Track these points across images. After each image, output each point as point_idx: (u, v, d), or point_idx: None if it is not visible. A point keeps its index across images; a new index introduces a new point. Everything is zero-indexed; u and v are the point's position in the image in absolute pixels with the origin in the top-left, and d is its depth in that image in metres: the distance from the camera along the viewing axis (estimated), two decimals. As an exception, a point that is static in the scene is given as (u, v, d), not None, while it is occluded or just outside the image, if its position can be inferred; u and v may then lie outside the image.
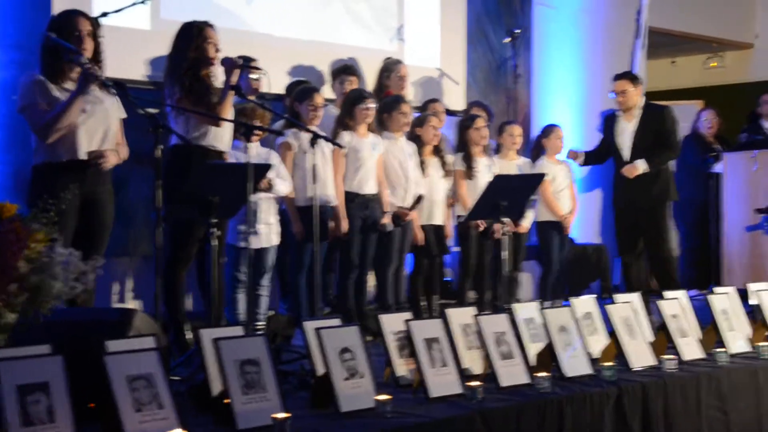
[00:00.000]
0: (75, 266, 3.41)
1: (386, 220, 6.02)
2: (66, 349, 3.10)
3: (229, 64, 4.86)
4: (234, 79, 4.83)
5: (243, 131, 4.52)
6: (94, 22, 4.61)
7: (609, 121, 7.31)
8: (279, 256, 5.74)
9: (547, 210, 6.97)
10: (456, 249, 6.77)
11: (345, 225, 5.80)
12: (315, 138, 4.81)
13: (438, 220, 6.41)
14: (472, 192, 6.47)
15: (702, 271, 8.49)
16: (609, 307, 4.41)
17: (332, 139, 5.42)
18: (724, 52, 10.87)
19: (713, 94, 10.37)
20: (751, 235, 7.76)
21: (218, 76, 5.20)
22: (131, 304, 6.04)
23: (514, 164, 6.88)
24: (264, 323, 5.57)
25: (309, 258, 5.66)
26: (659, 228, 7.00)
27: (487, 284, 6.65)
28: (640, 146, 7.00)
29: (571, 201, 7.07)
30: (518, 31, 7.91)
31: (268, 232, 5.53)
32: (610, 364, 4.08)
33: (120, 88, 4.39)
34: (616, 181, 7.19)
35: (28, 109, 4.41)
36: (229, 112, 4.88)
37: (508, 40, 7.90)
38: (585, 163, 7.53)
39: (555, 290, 6.98)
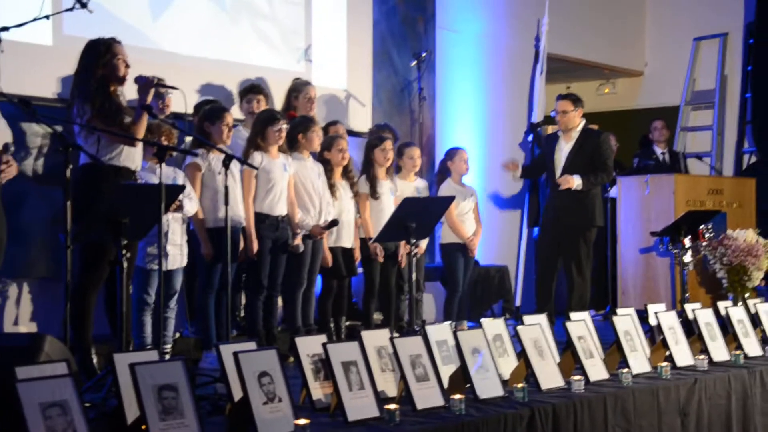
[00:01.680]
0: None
1: (297, 241, 6.01)
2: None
3: (143, 82, 4.78)
4: (149, 98, 4.76)
5: (155, 151, 4.44)
6: (-3, 37, 4.48)
7: (549, 140, 7.48)
8: (186, 277, 5.65)
9: (452, 232, 7.06)
10: (360, 270, 6.80)
11: (255, 246, 5.76)
12: (228, 159, 4.76)
13: (346, 242, 6.43)
14: (376, 213, 6.52)
15: (599, 293, 8.75)
16: (519, 329, 4.49)
17: (245, 160, 5.38)
18: (616, 79, 11.27)
19: (606, 118, 10.70)
20: (645, 257, 8.04)
21: (125, 93, 5.12)
22: (27, 328, 5.85)
23: (413, 186, 6.96)
24: (170, 346, 5.47)
25: (218, 279, 5.60)
26: (581, 251, 7.17)
27: (392, 305, 6.69)
28: (572, 167, 7.18)
29: (475, 224, 7.18)
30: (425, 54, 8.02)
31: (176, 254, 5.45)
32: (521, 385, 4.15)
33: (26, 105, 4.26)
34: (547, 201, 7.34)
35: None
36: (142, 132, 4.80)
37: (414, 63, 8.01)
38: (521, 177, 7.67)
39: (460, 312, 7.07)
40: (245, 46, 6.97)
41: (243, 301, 6.29)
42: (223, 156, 5.50)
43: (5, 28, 4.91)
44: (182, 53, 6.58)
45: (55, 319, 5.75)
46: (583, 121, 7.34)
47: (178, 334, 5.86)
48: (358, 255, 6.53)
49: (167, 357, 5.25)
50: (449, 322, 6.87)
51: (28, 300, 5.93)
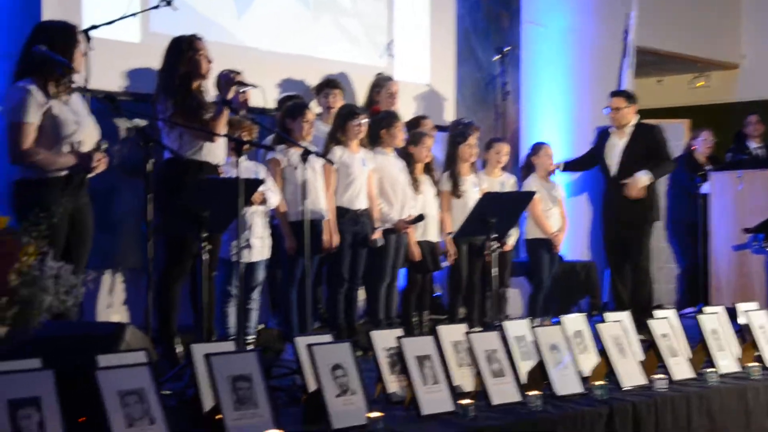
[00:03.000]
0: (66, 280, 3.38)
1: (377, 235, 6.02)
2: (57, 364, 3.08)
3: (225, 79, 4.86)
4: (230, 95, 4.83)
5: (233, 146, 4.51)
6: (85, 37, 4.60)
7: (602, 137, 7.34)
8: (269, 270, 5.72)
9: (537, 227, 6.97)
10: (446, 264, 6.77)
11: (336, 240, 5.80)
12: (306, 154, 4.80)
13: (432, 236, 6.42)
14: (460, 210, 6.48)
15: (692, 291, 8.53)
16: (599, 326, 4.41)
17: (323, 155, 5.41)
18: (710, 72, 10.94)
19: (699, 113, 10.44)
20: (739, 255, 7.80)
21: (209, 89, 5.21)
22: (118, 316, 6.00)
23: (498, 181, 6.90)
24: (254, 337, 5.55)
25: (300, 272, 5.65)
26: (639, 247, 7.01)
27: (476, 301, 6.64)
28: (628, 163, 7.02)
29: (560, 219, 7.08)
30: (508, 48, 7.94)
31: (260, 246, 5.52)
32: (601, 382, 4.07)
33: (111, 101, 4.37)
34: (605, 198, 7.21)
35: (15, 128, 4.36)
36: (223, 127, 4.87)
37: (497, 57, 7.93)
38: (565, 170, 7.54)
39: (545, 308, 6.98)
40: (327, 41, 7.00)
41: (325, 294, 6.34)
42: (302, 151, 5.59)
43: (94, 27, 5.03)
44: (265, 49, 6.65)
45: (144, 308, 5.90)
46: (637, 117, 7.17)
47: (262, 326, 5.94)
48: (445, 249, 6.51)
49: (250, 348, 5.33)
50: (528, 317, 6.79)
51: (120, 289, 6.08)
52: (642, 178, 6.93)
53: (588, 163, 7.41)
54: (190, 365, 3.49)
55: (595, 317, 7.85)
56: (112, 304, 6.00)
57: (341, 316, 5.93)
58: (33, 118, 4.35)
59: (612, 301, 7.85)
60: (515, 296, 7.80)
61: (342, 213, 5.90)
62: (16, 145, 4.39)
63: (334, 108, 6.36)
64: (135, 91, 5.89)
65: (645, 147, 7.00)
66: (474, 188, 6.58)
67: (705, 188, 8.24)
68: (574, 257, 8.03)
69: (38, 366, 3.08)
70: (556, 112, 8.65)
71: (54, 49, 4.37)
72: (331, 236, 5.78)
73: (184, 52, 5.01)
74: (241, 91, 5.51)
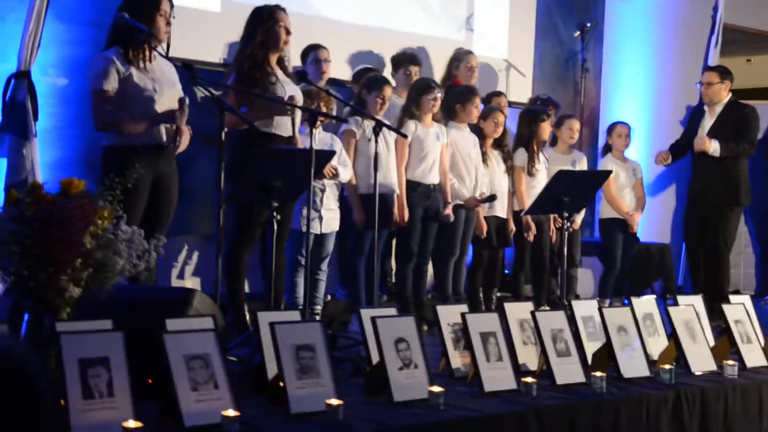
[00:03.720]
0: (138, 244, 3.45)
1: (448, 210, 6.00)
2: (127, 326, 3.16)
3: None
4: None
5: (307, 116, 4.52)
6: (169, 3, 4.65)
7: (695, 115, 7.16)
8: (339, 241, 5.76)
9: (611, 207, 6.85)
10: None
11: (406, 214, 5.80)
12: (379, 126, 4.79)
13: (500, 212, 6.38)
14: (532, 188, 6.42)
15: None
16: (671, 309, 4.34)
17: (397, 129, 5.38)
18: (802, 52, 10.58)
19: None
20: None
21: (291, 59, 5.22)
22: (191, 282, 6.12)
23: (569, 158, 6.80)
24: (321, 308, 5.60)
25: (368, 245, 5.68)
26: (719, 229, 6.80)
27: (545, 279, 6.58)
28: (714, 137, 6.83)
29: (637, 199, 6.93)
30: (589, 24, 7.78)
31: (329, 218, 5.55)
32: (669, 366, 4.01)
33: (188, 69, 4.42)
34: (692, 177, 7.02)
35: (96, 95, 4.47)
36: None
37: (578, 33, 7.79)
38: (673, 160, 7.35)
39: (616, 289, 6.88)
40: (406, 14, 6.96)
41: (393, 267, 6.35)
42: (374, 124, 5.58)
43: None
44: (343, 21, 6.65)
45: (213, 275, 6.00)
46: (729, 96, 6.94)
47: (329, 297, 5.99)
48: (512, 226, 6.46)
49: (317, 318, 5.38)
50: (597, 298, 6.71)
51: (195, 255, 6.20)
52: (713, 145, 6.72)
53: (686, 146, 7.19)
54: (256, 333, 3.55)
55: (668, 301, 7.76)
56: (186, 270, 6.12)
57: (409, 290, 5.94)
58: (111, 86, 4.45)
59: (687, 285, 7.72)
60: (587, 276, 7.71)
61: (414, 187, 5.89)
62: (96, 112, 4.50)
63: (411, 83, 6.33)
64: (212, 60, 5.96)
65: (732, 126, 6.78)
66: (544, 167, 6.51)
67: None
68: (651, 239, 7.87)
69: (109, 327, 3.18)
70: (637, 90, 8.47)
71: (136, 17, 4.44)
72: (402, 211, 5.78)
73: (264, 22, 5.02)
74: (324, 60, 5.53)
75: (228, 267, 4.86)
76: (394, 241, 6.22)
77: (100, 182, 3.99)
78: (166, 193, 4.65)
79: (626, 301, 7.12)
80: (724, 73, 6.93)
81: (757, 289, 8.53)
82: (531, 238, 6.45)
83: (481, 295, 6.41)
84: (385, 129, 5.16)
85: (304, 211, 5.39)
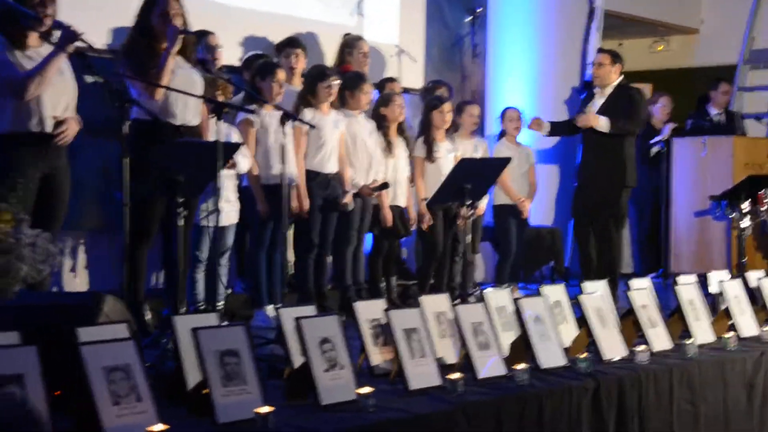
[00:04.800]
0: (43, 248, 3.23)
1: (348, 199, 5.91)
2: (33, 336, 2.95)
3: (172, 31, 4.62)
4: (175, 47, 4.59)
5: (213, 108, 4.33)
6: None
7: (586, 98, 7.27)
8: (238, 234, 5.58)
9: (504, 193, 6.90)
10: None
11: (306, 204, 5.67)
12: (286, 117, 4.64)
13: (401, 201, 6.33)
14: (434, 176, 6.40)
15: (650, 257, 8.58)
16: (582, 297, 4.37)
17: (306, 121, 5.21)
18: (670, 37, 10.95)
19: (659, 77, 10.44)
20: (700, 221, 7.84)
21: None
22: (80, 279, 5.82)
23: (471, 144, 6.81)
24: (222, 303, 5.42)
25: (269, 237, 5.53)
26: (611, 212, 6.95)
27: (445, 267, 6.58)
28: None
29: (529, 186, 7.01)
30: (480, 9, 7.80)
31: (228, 210, 5.37)
32: (585, 355, 4.04)
33: (81, 57, 4.18)
34: (581, 159, 7.11)
35: None
36: (165, 78, 4.61)
37: (469, 19, 7.80)
38: (551, 134, 7.43)
39: (511, 274, 6.95)
40: (296, -2, 6.81)
41: (291, 258, 6.21)
42: (275, 112, 5.42)
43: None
44: (231, 5, 6.44)
45: (106, 271, 5.73)
46: (620, 79, 7.09)
47: (229, 291, 5.81)
48: (412, 215, 6.41)
49: (220, 314, 5.19)
50: (508, 287, 6.76)
51: (81, 251, 5.90)
52: (600, 121, 6.82)
53: (571, 126, 7.28)
54: (172, 338, 3.37)
55: (556, 282, 7.91)
56: (75, 267, 5.81)
57: (311, 281, 5.82)
58: (9, 58, 4.12)
59: (576, 267, 7.87)
60: (478, 261, 7.76)
61: (312, 176, 5.76)
62: (8, 83, 4.15)
63: (296, 68, 6.19)
64: (97, 47, 5.63)
65: (620, 107, 6.91)
66: (449, 154, 6.48)
67: (656, 147, 8.21)
68: (539, 222, 8.00)
69: (16, 339, 2.95)
70: (521, 74, 8.56)
71: (20, 1, 4.14)
72: (301, 201, 5.65)
73: (152, 6, 4.79)
74: (216, 47, 5.32)
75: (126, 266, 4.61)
76: (291, 232, 6.08)
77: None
78: (57, 191, 4.37)
79: (522, 285, 7.28)
80: (615, 56, 7.05)
81: (637, 268, 8.80)
82: (425, 226, 6.42)
83: (381, 284, 6.35)
84: (278, 117, 5.01)
85: (203, 205, 5.21)
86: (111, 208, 5.51)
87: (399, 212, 6.31)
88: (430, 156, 6.42)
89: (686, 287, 4.84)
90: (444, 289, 6.54)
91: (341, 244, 5.99)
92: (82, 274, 5.88)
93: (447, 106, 6.51)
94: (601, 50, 7.20)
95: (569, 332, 4.41)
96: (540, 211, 8.09)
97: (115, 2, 5.62)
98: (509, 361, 3.94)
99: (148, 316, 4.78)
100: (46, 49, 4.28)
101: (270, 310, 5.53)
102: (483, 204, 6.86)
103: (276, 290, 5.63)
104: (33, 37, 4.25)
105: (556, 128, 7.33)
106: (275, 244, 5.61)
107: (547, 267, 7.98)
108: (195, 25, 5.72)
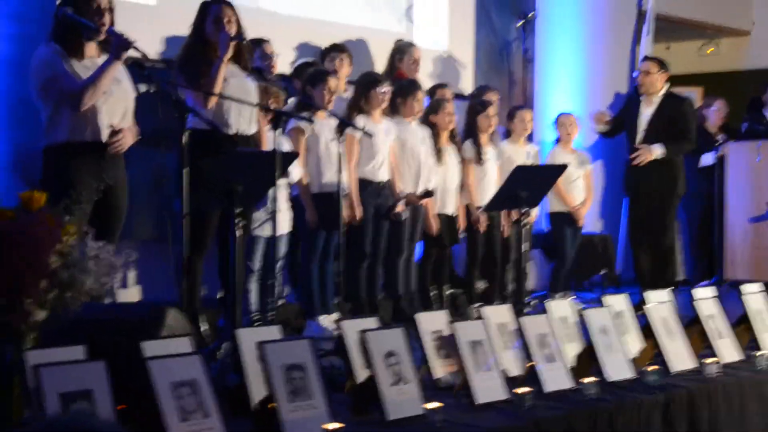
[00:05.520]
0: (107, 261, 3.18)
1: (400, 208, 5.83)
2: (97, 350, 2.91)
3: (224, 37, 4.58)
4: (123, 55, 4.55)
5: (272, 117, 4.28)
6: (109, -5, 4.33)
7: (630, 102, 7.16)
8: (290, 244, 5.53)
9: (559, 201, 6.77)
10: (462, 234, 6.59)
11: (359, 212, 5.60)
12: (343, 125, 4.58)
13: (450, 209, 6.24)
14: (479, 180, 6.32)
15: (702, 264, 8.41)
16: (647, 307, 4.26)
17: (357, 126, 5.13)
18: (720, 39, 10.76)
19: (708, 80, 10.27)
20: (755, 227, 7.67)
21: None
22: (135, 291, 5.81)
23: (524, 151, 6.71)
24: (274, 314, 5.36)
25: (322, 246, 5.48)
26: (663, 222, 6.84)
27: (497, 274, 6.48)
28: (653, 132, 6.86)
29: (585, 191, 6.88)
30: (532, 13, 7.69)
31: (281, 220, 5.30)
32: (654, 368, 3.93)
33: (139, 67, 4.15)
34: (627, 168, 7.02)
35: (54, 79, 4.08)
36: (217, 86, 4.58)
37: (520, 23, 7.70)
38: (599, 133, 7.30)
39: (565, 282, 6.83)
40: (346, 5, 6.75)
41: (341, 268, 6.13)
42: (326, 120, 5.37)
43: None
44: (282, 12, 6.40)
45: (160, 281, 5.69)
46: (667, 86, 6.98)
47: (282, 301, 5.76)
48: (461, 222, 6.33)
49: (272, 325, 5.15)
50: (563, 296, 6.65)
51: (135, 262, 5.86)
52: (655, 151, 6.77)
53: (619, 127, 7.18)
54: (235, 351, 3.31)
55: (608, 290, 7.78)
56: (128, 278, 5.80)
57: (363, 291, 5.75)
58: (67, 69, 4.09)
59: (627, 274, 7.75)
60: (529, 269, 7.65)
61: (364, 185, 5.70)
62: (65, 93, 4.08)
63: (340, 73, 6.13)
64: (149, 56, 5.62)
65: (671, 118, 6.81)
66: (493, 160, 6.40)
67: (705, 161, 8.00)
68: (592, 230, 7.86)
69: (83, 354, 2.91)
70: (569, 78, 8.44)
71: (78, 12, 4.11)
72: (354, 210, 5.58)
73: (206, 15, 4.77)
74: (273, 54, 5.28)
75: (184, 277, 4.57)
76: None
77: (44, 188, 3.70)
78: (115, 201, 4.33)
79: (577, 294, 7.16)
80: (662, 63, 6.98)
81: (689, 275, 8.63)
82: (482, 229, 6.32)
83: (433, 292, 6.27)
84: (333, 125, 4.94)
85: (256, 215, 5.17)
86: (163, 217, 5.48)
87: (447, 220, 6.22)
88: (478, 159, 6.34)
89: (753, 296, 4.70)
90: (496, 298, 6.46)
91: (393, 254, 5.92)
92: (135, 284, 5.86)
93: (491, 110, 6.43)
94: (647, 58, 7.11)
95: (634, 343, 4.31)
96: (589, 217, 7.96)
97: (169, 12, 5.61)
98: (575, 373, 3.85)
99: (204, 326, 4.73)
100: (103, 59, 4.25)
101: (323, 320, 5.47)
102: (535, 211, 6.75)
103: (328, 300, 5.57)
104: (90, 47, 4.23)
105: (609, 134, 7.24)
106: (327, 253, 5.55)
107: (596, 275, 7.84)
108: (247, 34, 5.72)
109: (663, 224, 6.81)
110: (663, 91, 6.92)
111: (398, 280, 5.98)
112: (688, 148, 6.95)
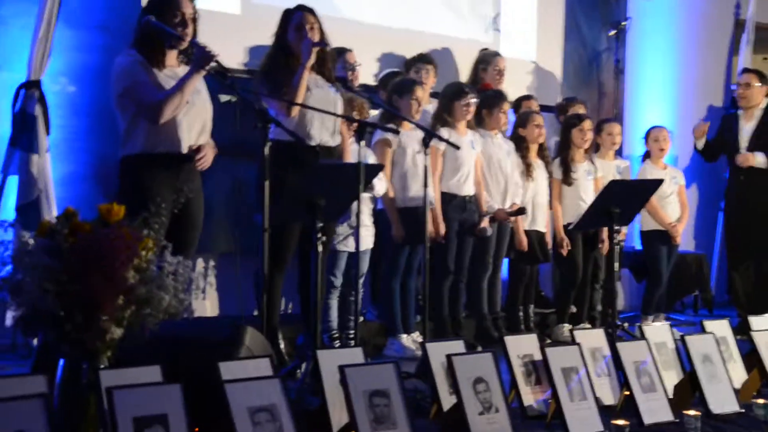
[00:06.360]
0: (185, 277, 3.06)
1: (485, 223, 5.63)
2: (173, 370, 2.79)
3: (306, 44, 4.45)
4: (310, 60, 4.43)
5: (356, 128, 4.13)
6: (194, 4, 4.23)
7: (727, 121, 6.82)
8: (372, 259, 5.37)
9: (652, 218, 6.45)
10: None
11: (443, 228, 5.41)
12: (429, 137, 4.40)
13: (540, 225, 6.01)
14: (571, 198, 6.07)
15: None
16: (754, 334, 3.98)
17: (447, 140, 4.92)
18: (820, 51, 10.27)
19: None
20: None
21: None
22: (211, 305, 5.72)
23: (614, 165, 6.43)
24: (354, 331, 5.21)
25: (404, 262, 5.31)
26: (766, 240, 6.45)
27: (586, 294, 6.21)
28: (757, 148, 6.50)
29: (680, 208, 6.56)
30: (624, 22, 7.40)
31: (365, 235, 5.14)
32: (763, 401, 3.65)
33: (221, 76, 4.04)
34: (729, 185, 6.65)
35: (134, 88, 3.97)
36: (299, 95, 4.44)
37: (612, 33, 7.42)
38: (699, 151, 6.98)
39: (658, 304, 6.51)
40: (431, 14, 6.57)
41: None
42: (412, 132, 5.21)
43: (196, -5, 4.69)
44: (366, 21, 6.26)
45: (237, 296, 5.59)
46: (767, 100, 6.60)
47: (361, 319, 5.60)
48: (549, 240, 6.09)
49: (352, 343, 5.00)
50: (654, 318, 6.36)
51: (211, 275, 5.79)
52: (757, 159, 6.40)
53: (719, 148, 6.85)
54: (316, 372, 3.16)
55: (700, 312, 7.43)
56: (205, 291, 5.71)
57: (446, 309, 5.56)
58: (148, 78, 4.00)
59: (720, 296, 7.40)
60: (618, 288, 7.36)
61: (449, 199, 5.51)
62: (145, 104, 3.97)
63: (426, 84, 5.95)
64: (232, 66, 5.53)
65: None
66: (588, 176, 6.14)
67: None
68: (683, 248, 7.52)
69: (159, 375, 2.79)
70: (662, 91, 8.13)
71: (162, 20, 4.02)
72: (438, 225, 5.39)
73: (288, 23, 4.66)
74: (356, 64, 5.15)
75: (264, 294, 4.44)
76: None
77: (121, 199, 3.61)
78: (192, 214, 4.21)
79: (670, 315, 6.85)
80: (762, 76, 6.61)
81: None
82: (565, 252, 6.08)
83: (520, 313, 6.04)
84: (416, 138, 4.75)
85: (338, 229, 5.03)
86: (241, 230, 5.39)
87: (538, 237, 6.00)
88: (567, 178, 6.09)
89: None
90: (585, 319, 6.20)
91: (477, 271, 5.72)
92: (213, 298, 5.78)
93: (587, 124, 6.17)
94: (746, 70, 6.73)
95: (737, 373, 4.03)
96: (686, 236, 7.63)
97: (254, 22, 5.52)
98: (674, 404, 3.60)
99: (282, 344, 4.60)
100: (183, 69, 4.16)
101: (405, 339, 5.30)
102: (625, 228, 6.47)
103: (410, 318, 5.40)
104: (171, 57, 4.13)
105: (707, 153, 6.91)
106: (410, 270, 5.38)
107: (689, 296, 7.50)
108: (331, 43, 5.60)
109: (765, 244, 6.42)
110: (763, 105, 6.55)
111: (482, 298, 5.76)
112: None
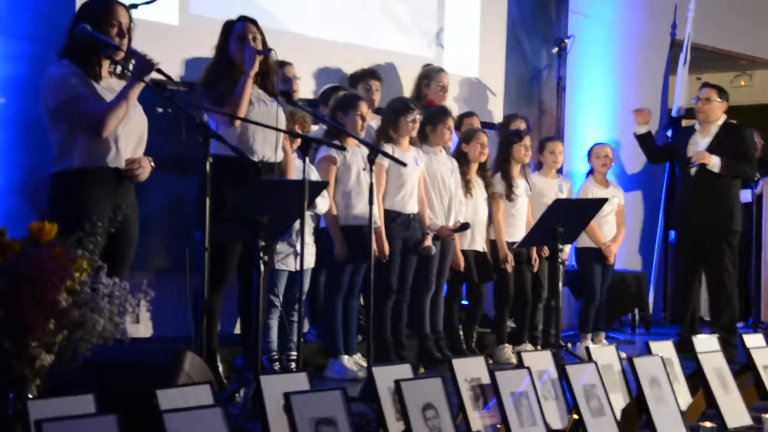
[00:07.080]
0: (121, 299, 2.92)
1: (428, 242, 5.55)
2: (108, 397, 2.65)
3: (249, 52, 4.35)
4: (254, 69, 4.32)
5: (300, 145, 4.02)
6: (130, 13, 4.08)
7: (684, 131, 6.82)
8: (312, 278, 5.25)
9: (588, 236, 6.44)
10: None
11: (386, 247, 5.32)
12: (374, 153, 4.31)
13: (479, 245, 5.95)
14: (510, 215, 6.04)
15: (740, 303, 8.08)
16: (701, 356, 3.96)
17: (394, 157, 4.83)
18: (753, 71, 10.47)
19: (741, 113, 9.95)
20: (794, 268, 7.36)
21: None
22: (146, 326, 5.52)
23: (556, 184, 6.42)
24: (297, 353, 5.07)
25: (347, 281, 5.20)
26: (721, 258, 6.36)
27: (527, 314, 6.18)
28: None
29: (617, 228, 6.55)
30: (567, 40, 7.41)
31: (307, 253, 5.02)
32: (710, 425, 3.62)
33: (161, 88, 3.89)
34: (680, 201, 6.62)
35: (74, 100, 3.78)
36: (242, 108, 4.33)
37: (556, 50, 7.42)
38: (642, 140, 6.98)
39: (596, 321, 6.50)
40: (374, 28, 6.48)
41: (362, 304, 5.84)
42: (356, 149, 5.12)
43: (134, 6, 4.54)
44: (309, 35, 6.14)
45: (173, 316, 5.41)
46: (725, 117, 6.63)
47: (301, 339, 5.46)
48: (490, 259, 6.03)
49: (293, 365, 4.88)
50: (591, 336, 6.35)
51: (148, 297, 5.58)
52: (713, 160, 6.34)
53: (662, 154, 6.85)
54: (259, 399, 3.04)
55: (638, 331, 7.46)
56: (139, 311, 5.50)
57: (388, 329, 5.46)
58: (87, 90, 3.82)
59: (656, 315, 7.44)
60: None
61: (393, 217, 5.42)
62: (86, 117, 3.79)
63: (373, 100, 5.86)
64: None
65: (731, 149, 6.40)
66: (525, 193, 6.12)
67: (744, 197, 7.58)
68: (622, 266, 7.54)
69: (92, 405, 2.64)
70: (600, 107, 8.17)
71: (98, 29, 3.85)
72: (382, 243, 5.30)
73: (229, 34, 4.55)
74: (295, 78, 5.05)
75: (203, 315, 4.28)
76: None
77: (53, 216, 3.43)
78: (127, 231, 4.04)
79: (611, 334, 6.86)
80: (722, 91, 6.59)
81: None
82: (509, 269, 6.04)
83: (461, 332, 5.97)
84: (361, 154, 4.65)
85: (279, 247, 4.90)
86: (178, 248, 5.21)
87: (477, 256, 5.93)
88: (509, 194, 6.06)
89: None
90: (525, 338, 6.16)
91: (420, 290, 5.63)
92: (146, 318, 5.58)
93: (527, 140, 6.16)
94: (707, 84, 6.71)
95: (682, 395, 4.00)
96: (621, 254, 7.66)
97: (192, 33, 5.37)
98: (621, 428, 3.55)
99: (221, 366, 4.45)
100: (117, 81, 4.00)
101: (346, 360, 5.18)
102: (567, 247, 6.46)
103: (351, 339, 5.29)
104: (104, 68, 3.97)
105: (648, 143, 6.91)
106: (352, 289, 5.27)
107: (627, 315, 7.53)
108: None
109: (719, 260, 6.34)
110: (721, 121, 6.54)
111: (425, 317, 5.68)
112: (749, 173, 6.53)
